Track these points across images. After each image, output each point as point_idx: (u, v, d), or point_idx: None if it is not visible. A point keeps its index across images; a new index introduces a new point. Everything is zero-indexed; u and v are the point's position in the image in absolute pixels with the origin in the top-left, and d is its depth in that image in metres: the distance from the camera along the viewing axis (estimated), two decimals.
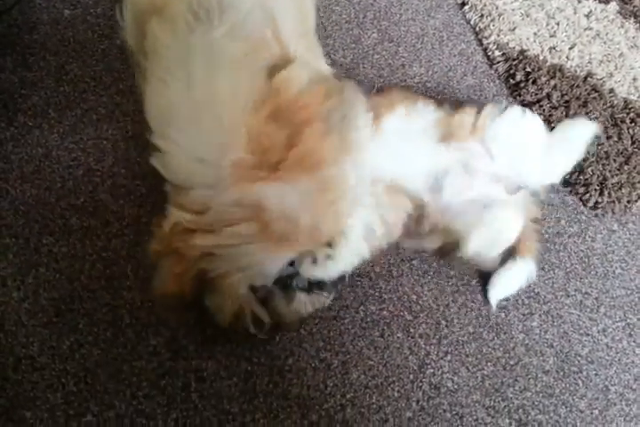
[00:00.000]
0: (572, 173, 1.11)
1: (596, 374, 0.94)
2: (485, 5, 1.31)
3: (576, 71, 1.24)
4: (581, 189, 1.10)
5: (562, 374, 0.93)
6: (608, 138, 1.15)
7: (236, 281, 0.77)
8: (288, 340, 0.90)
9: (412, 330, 0.94)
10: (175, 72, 0.80)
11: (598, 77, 1.24)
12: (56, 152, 1.03)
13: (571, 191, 1.11)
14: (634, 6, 1.37)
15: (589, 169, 1.10)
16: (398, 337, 0.93)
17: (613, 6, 1.37)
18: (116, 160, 1.04)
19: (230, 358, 0.88)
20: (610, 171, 1.11)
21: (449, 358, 0.92)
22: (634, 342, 0.97)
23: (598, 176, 1.10)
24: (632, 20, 1.36)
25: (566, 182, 1.11)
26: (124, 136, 1.07)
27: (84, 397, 0.84)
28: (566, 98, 1.19)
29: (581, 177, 1.10)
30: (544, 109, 1.15)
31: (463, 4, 1.33)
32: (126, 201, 1.00)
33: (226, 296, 0.77)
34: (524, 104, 1.18)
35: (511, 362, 0.93)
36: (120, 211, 0.98)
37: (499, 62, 1.24)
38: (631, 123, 1.18)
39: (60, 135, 1.06)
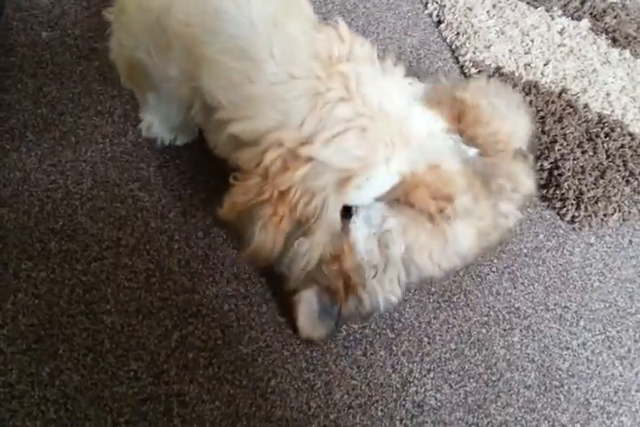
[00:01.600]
0: (548, 188, 1.12)
1: (577, 388, 0.94)
2: (461, 23, 1.33)
3: (551, 87, 1.26)
4: (558, 204, 1.11)
5: (543, 388, 0.94)
6: (583, 153, 1.17)
7: None
8: (271, 361, 0.90)
9: (394, 348, 0.94)
10: None
11: (572, 93, 1.26)
12: (34, 175, 1.03)
13: (548, 206, 1.12)
14: (605, 23, 1.40)
15: (566, 184, 1.12)
16: (381, 355, 0.93)
17: (585, 23, 1.40)
18: (95, 182, 1.04)
19: (212, 381, 0.87)
20: (586, 185, 1.13)
21: (432, 375, 0.92)
22: (613, 354, 0.98)
23: (574, 191, 1.11)
24: (604, 36, 1.39)
25: (543, 197, 1.13)
26: (103, 158, 1.07)
27: (64, 424, 0.83)
28: (542, 114, 1.21)
29: (558, 192, 1.12)
30: None
31: (439, 23, 1.35)
32: (105, 224, 0.99)
33: None
34: None
35: (493, 378, 0.93)
36: (99, 234, 0.98)
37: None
38: (606, 137, 1.20)
39: (39, 158, 1.05)
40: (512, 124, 0.87)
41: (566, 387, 0.94)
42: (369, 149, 0.71)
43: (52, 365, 0.86)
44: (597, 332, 1.00)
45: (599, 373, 0.96)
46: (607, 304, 1.03)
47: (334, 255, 0.78)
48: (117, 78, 1.13)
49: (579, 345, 0.98)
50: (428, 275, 0.80)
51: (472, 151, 0.82)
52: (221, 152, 0.81)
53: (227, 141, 0.78)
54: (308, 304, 0.82)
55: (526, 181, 0.86)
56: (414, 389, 0.91)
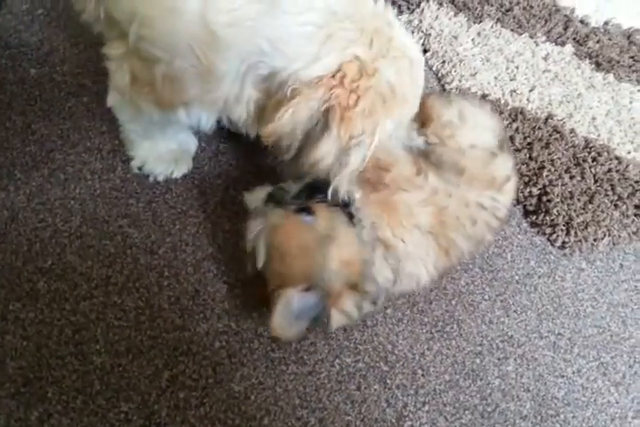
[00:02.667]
0: (538, 214, 1.13)
1: (573, 417, 0.94)
2: (447, 52, 1.34)
3: (537, 113, 1.27)
4: (548, 230, 1.12)
5: (539, 418, 0.93)
6: (571, 178, 1.17)
7: None
8: (263, 398, 0.89)
9: (388, 381, 0.93)
10: None
11: (559, 118, 1.27)
12: (23, 214, 1.03)
13: (538, 232, 1.13)
14: (588, 48, 1.43)
15: (555, 209, 1.12)
16: (375, 389, 0.92)
17: (569, 48, 1.42)
18: (84, 220, 1.04)
19: (204, 421, 0.86)
20: (575, 210, 1.13)
21: (427, 408, 0.92)
22: (608, 381, 0.98)
23: (564, 216, 1.12)
24: (587, 60, 1.41)
25: (533, 223, 1.13)
26: (92, 195, 1.07)
27: None
28: (529, 140, 1.22)
29: (547, 218, 1.12)
30: None
31: (425, 51, 1.37)
32: (94, 262, 0.99)
33: None
34: None
35: (488, 409, 0.93)
36: (88, 272, 0.98)
37: None
38: (593, 162, 1.21)
39: (27, 197, 1.05)
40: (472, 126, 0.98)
41: (562, 416, 0.94)
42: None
43: (40, 409, 0.85)
44: (592, 358, 1.00)
45: (595, 400, 0.96)
46: (600, 330, 1.03)
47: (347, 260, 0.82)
48: (106, 114, 1.15)
49: (573, 372, 0.98)
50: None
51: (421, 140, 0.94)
52: None
53: None
54: (287, 303, 0.81)
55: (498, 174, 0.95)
56: (409, 423, 0.90)
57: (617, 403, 0.96)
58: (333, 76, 0.77)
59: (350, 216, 0.85)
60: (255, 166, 1.14)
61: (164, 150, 1.06)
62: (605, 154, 1.22)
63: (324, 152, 0.79)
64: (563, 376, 0.98)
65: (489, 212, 0.93)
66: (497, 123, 1.04)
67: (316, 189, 0.86)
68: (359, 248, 0.84)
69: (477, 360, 0.97)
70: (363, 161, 0.80)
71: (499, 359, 0.97)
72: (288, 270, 0.82)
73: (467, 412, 0.92)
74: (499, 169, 0.95)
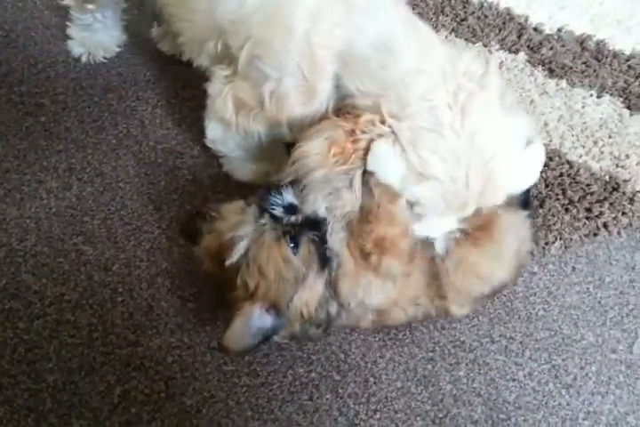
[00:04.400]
0: None
1: (524, 420, 0.95)
2: None
3: None
4: None
5: (490, 422, 0.94)
6: None
7: None
8: (215, 412, 0.90)
9: (340, 390, 0.95)
10: None
11: None
12: None
13: None
14: (542, 55, 1.45)
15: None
16: (327, 399, 0.94)
17: (522, 56, 1.44)
18: (39, 238, 1.05)
19: None
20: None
21: (378, 416, 0.93)
22: (560, 383, 0.99)
23: None
24: (540, 67, 1.43)
25: None
26: (48, 213, 1.08)
27: None
28: None
29: None
30: None
31: None
32: (49, 280, 1.00)
33: None
34: None
35: (440, 415, 0.94)
36: (42, 290, 0.99)
37: None
38: (544, 166, 1.22)
39: None
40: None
41: (513, 420, 0.95)
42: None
43: None
44: (543, 361, 1.01)
45: (546, 403, 0.97)
46: (552, 333, 1.04)
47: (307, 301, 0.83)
48: (63, 133, 1.17)
49: (525, 376, 0.99)
50: None
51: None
52: None
53: None
54: (247, 319, 0.82)
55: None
56: None
57: (568, 405, 0.98)
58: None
59: (325, 261, 0.84)
60: (211, 181, 1.15)
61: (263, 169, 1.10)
62: (557, 159, 1.24)
63: None
64: (514, 380, 0.99)
65: (440, 310, 0.92)
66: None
67: (314, 225, 0.84)
68: (321, 293, 0.84)
69: (429, 366, 0.98)
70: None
71: (450, 365, 0.99)
72: (257, 287, 0.82)
73: (418, 418, 0.94)
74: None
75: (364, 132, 0.78)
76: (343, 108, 0.85)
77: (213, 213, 0.87)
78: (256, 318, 0.82)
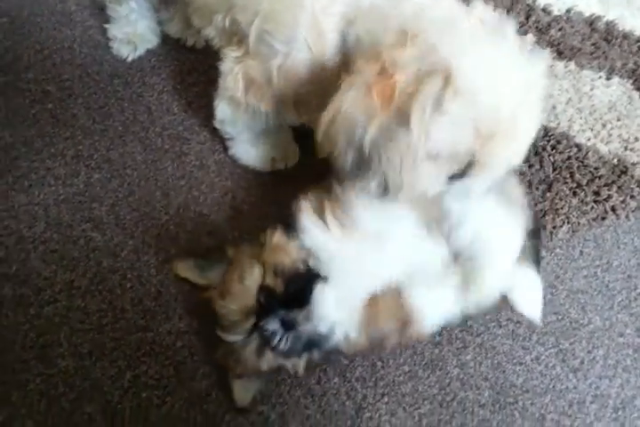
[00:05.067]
0: None
1: (531, 404, 0.96)
2: None
3: None
4: None
5: (498, 406, 0.95)
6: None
7: None
8: (224, 396, 0.91)
9: (348, 374, 0.95)
10: None
11: None
12: None
13: None
14: (550, 36, 1.43)
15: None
16: (335, 383, 0.94)
17: (530, 37, 1.42)
18: (48, 225, 1.06)
19: (167, 419, 0.89)
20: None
21: (385, 399, 0.94)
22: (567, 367, 0.99)
23: None
24: (549, 49, 1.41)
25: None
26: (56, 200, 1.09)
27: None
28: None
29: None
30: None
31: None
32: (58, 266, 1.01)
33: None
34: None
35: (447, 398, 0.95)
36: (52, 277, 1.00)
37: None
38: (552, 150, 1.22)
39: None
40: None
41: (521, 403, 0.96)
42: None
43: (4, 412, 0.87)
44: (550, 345, 1.01)
45: (553, 386, 0.98)
46: (559, 317, 1.04)
47: None
48: (70, 120, 1.17)
49: (532, 360, 1.00)
50: None
51: None
52: None
53: None
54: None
55: None
56: (368, 414, 0.92)
57: (575, 388, 0.98)
58: None
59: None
60: (217, 166, 1.15)
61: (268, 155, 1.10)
62: (565, 141, 1.23)
63: None
64: (521, 364, 0.99)
65: None
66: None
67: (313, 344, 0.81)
68: None
69: (436, 351, 0.99)
70: None
71: (457, 349, 0.99)
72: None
73: (426, 402, 0.94)
74: None
75: (394, 65, 0.66)
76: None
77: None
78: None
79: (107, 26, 1.31)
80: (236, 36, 0.90)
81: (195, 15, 0.99)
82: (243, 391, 0.86)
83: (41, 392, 0.89)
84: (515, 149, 0.75)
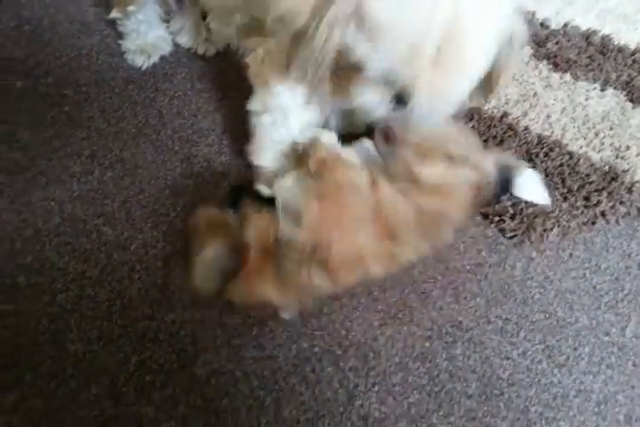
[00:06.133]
0: (489, 206, 1.19)
1: (516, 396, 1.00)
2: None
3: (493, 112, 1.34)
4: (498, 220, 1.18)
5: (484, 397, 0.99)
6: None
7: None
8: (224, 381, 0.96)
9: (341, 364, 1.00)
10: None
11: (514, 117, 1.34)
12: (5, 215, 1.11)
13: (490, 223, 1.19)
14: (547, 49, 1.49)
15: (506, 202, 1.18)
16: (329, 371, 0.99)
17: (527, 50, 1.48)
18: (63, 220, 1.12)
19: (168, 401, 0.94)
20: (525, 202, 1.19)
21: (376, 388, 0.98)
22: (552, 362, 1.03)
23: (514, 208, 1.18)
24: (545, 61, 1.47)
25: (485, 215, 1.19)
26: (71, 197, 1.15)
27: None
28: (484, 138, 1.29)
29: (498, 209, 1.18)
30: None
31: None
32: (71, 258, 1.07)
33: None
34: None
35: (435, 389, 0.99)
36: (65, 267, 1.06)
37: None
38: (544, 157, 1.27)
39: (11, 199, 1.14)
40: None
41: (506, 395, 1.00)
42: None
43: (17, 392, 0.92)
44: (537, 342, 1.06)
45: (538, 380, 1.02)
46: (547, 315, 1.09)
47: None
48: (86, 122, 1.24)
49: (519, 355, 1.04)
50: None
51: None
52: None
53: None
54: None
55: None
56: (359, 402, 0.97)
57: (560, 383, 1.02)
58: None
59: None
60: (224, 168, 1.21)
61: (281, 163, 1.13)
62: (557, 149, 1.29)
63: None
64: (508, 358, 1.04)
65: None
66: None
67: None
68: None
69: (427, 344, 1.04)
70: None
71: (447, 343, 1.04)
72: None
73: (415, 392, 0.99)
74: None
75: None
76: None
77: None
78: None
79: (120, 42, 1.41)
80: (255, 31, 0.95)
81: (213, 14, 1.05)
82: (204, 273, 0.93)
83: (51, 374, 0.95)
84: (455, 83, 0.80)
